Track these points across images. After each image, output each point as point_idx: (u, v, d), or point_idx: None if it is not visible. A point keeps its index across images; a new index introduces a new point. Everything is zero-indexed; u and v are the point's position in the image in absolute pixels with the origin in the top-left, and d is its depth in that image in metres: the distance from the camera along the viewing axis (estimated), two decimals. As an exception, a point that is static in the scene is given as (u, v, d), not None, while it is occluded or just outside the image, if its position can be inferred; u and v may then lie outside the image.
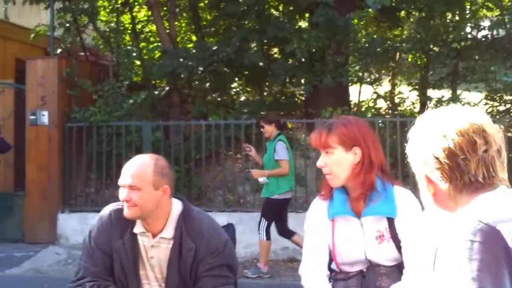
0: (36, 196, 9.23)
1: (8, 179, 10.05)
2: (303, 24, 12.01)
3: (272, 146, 7.40)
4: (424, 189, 1.65)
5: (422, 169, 1.63)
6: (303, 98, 11.91)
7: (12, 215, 9.48)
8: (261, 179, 7.42)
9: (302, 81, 10.74)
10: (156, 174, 2.84)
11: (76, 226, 8.96)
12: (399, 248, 2.72)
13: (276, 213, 7.51)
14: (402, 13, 11.88)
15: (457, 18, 11.19)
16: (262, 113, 10.52)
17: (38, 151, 9.28)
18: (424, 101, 10.72)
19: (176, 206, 2.98)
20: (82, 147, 9.41)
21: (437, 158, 1.57)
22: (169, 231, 2.92)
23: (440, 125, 1.60)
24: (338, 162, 2.70)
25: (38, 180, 9.26)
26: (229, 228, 3.36)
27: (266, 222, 7.42)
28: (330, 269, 2.86)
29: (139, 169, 2.85)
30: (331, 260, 2.84)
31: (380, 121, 9.17)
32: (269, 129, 7.48)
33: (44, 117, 9.25)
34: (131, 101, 9.81)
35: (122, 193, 2.85)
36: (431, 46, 10.65)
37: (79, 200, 9.60)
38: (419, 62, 11.52)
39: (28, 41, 10.96)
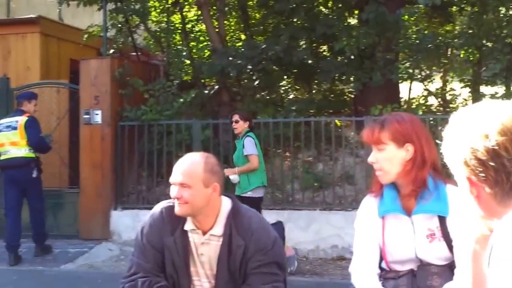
0: (90, 193, 9.43)
1: (63, 177, 10.27)
2: (353, 21, 11.92)
3: (241, 143, 7.36)
4: (465, 191, 1.57)
5: (462, 170, 1.54)
6: (352, 96, 11.82)
7: (67, 212, 9.69)
8: (231, 177, 7.28)
9: (351, 78, 10.67)
10: (206, 172, 2.88)
11: (128, 223, 9.12)
12: (450, 247, 2.68)
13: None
14: (454, 8, 11.67)
15: (511, 12, 10.92)
16: (311, 111, 10.54)
17: (92, 149, 9.47)
18: (476, 98, 10.50)
19: (226, 203, 3.00)
20: (134, 146, 9.56)
21: (480, 160, 1.48)
22: (219, 228, 2.95)
23: (480, 123, 1.50)
24: (389, 158, 2.68)
25: (91, 178, 9.45)
26: (278, 226, 3.38)
27: None
28: (380, 267, 2.84)
29: (190, 167, 2.89)
30: (381, 258, 2.82)
31: (431, 119, 9.05)
32: (243, 126, 7.41)
33: (97, 116, 9.43)
34: (181, 100, 9.92)
35: (173, 190, 2.90)
36: (484, 42, 10.42)
37: (131, 198, 9.76)
38: (471, 58, 11.28)
39: (81, 42, 11.18)
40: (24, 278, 7.59)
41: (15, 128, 8.15)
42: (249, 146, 7.24)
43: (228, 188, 8.65)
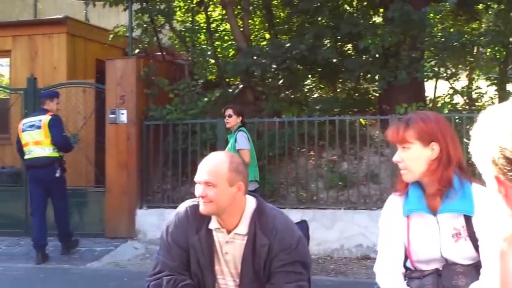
0: (116, 192, 9.50)
1: (89, 176, 10.37)
2: (377, 19, 11.86)
3: (233, 138, 7.41)
4: (494, 190, 1.57)
5: (490, 169, 1.55)
6: (377, 95, 11.77)
7: (93, 211, 9.78)
8: None
9: (376, 77, 10.61)
10: (231, 171, 2.89)
11: (154, 221, 9.18)
12: (476, 247, 2.66)
13: None
14: (480, 6, 11.55)
15: (538, 10, 10.78)
16: (335, 110, 10.50)
17: (117, 148, 9.54)
18: (503, 96, 10.38)
19: (250, 202, 3.01)
20: (159, 145, 9.62)
21: (508, 159, 1.47)
22: (243, 227, 2.96)
23: (509, 122, 1.49)
24: (415, 157, 2.67)
25: (117, 176, 9.52)
26: (303, 225, 3.37)
27: None
28: (405, 267, 2.82)
29: (215, 166, 2.91)
30: (406, 257, 2.81)
31: (457, 117, 8.97)
32: (236, 120, 7.48)
33: (123, 116, 9.50)
34: (206, 99, 9.95)
35: (198, 189, 2.91)
36: (511, 39, 10.31)
37: (156, 197, 9.82)
38: (498, 56, 11.16)
39: (107, 42, 11.27)
40: (51, 276, 7.69)
41: (39, 127, 8.17)
42: (242, 141, 7.30)
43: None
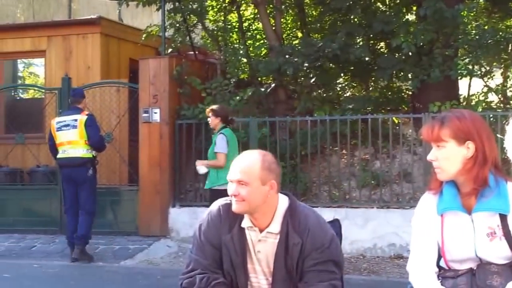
0: (149, 191, 9.59)
1: (122, 174, 10.48)
2: (410, 17, 11.75)
3: (214, 139, 7.47)
4: None
5: None
6: (409, 93, 11.67)
7: (127, 209, 9.88)
8: (198, 167, 7.55)
9: (409, 75, 10.52)
10: (263, 170, 2.90)
11: (186, 220, 9.25)
12: (512, 246, 2.64)
13: None
14: (515, 2, 11.37)
15: None
16: (368, 108, 10.44)
17: (151, 147, 9.63)
18: (538, 94, 10.23)
19: (283, 201, 3.01)
20: (191, 144, 9.68)
21: None
22: (275, 226, 2.96)
23: None
24: (449, 156, 2.63)
25: (150, 175, 9.61)
26: (335, 224, 3.36)
27: None
28: (438, 266, 2.80)
29: (247, 165, 2.92)
30: (439, 257, 2.79)
31: (491, 115, 8.86)
32: (215, 121, 7.55)
33: (156, 115, 9.58)
34: (238, 98, 9.99)
35: (231, 187, 2.93)
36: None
37: (188, 195, 9.89)
38: (532, 54, 10.99)
39: (140, 42, 11.37)
40: (85, 273, 7.80)
41: (74, 127, 8.16)
42: (220, 144, 7.37)
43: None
